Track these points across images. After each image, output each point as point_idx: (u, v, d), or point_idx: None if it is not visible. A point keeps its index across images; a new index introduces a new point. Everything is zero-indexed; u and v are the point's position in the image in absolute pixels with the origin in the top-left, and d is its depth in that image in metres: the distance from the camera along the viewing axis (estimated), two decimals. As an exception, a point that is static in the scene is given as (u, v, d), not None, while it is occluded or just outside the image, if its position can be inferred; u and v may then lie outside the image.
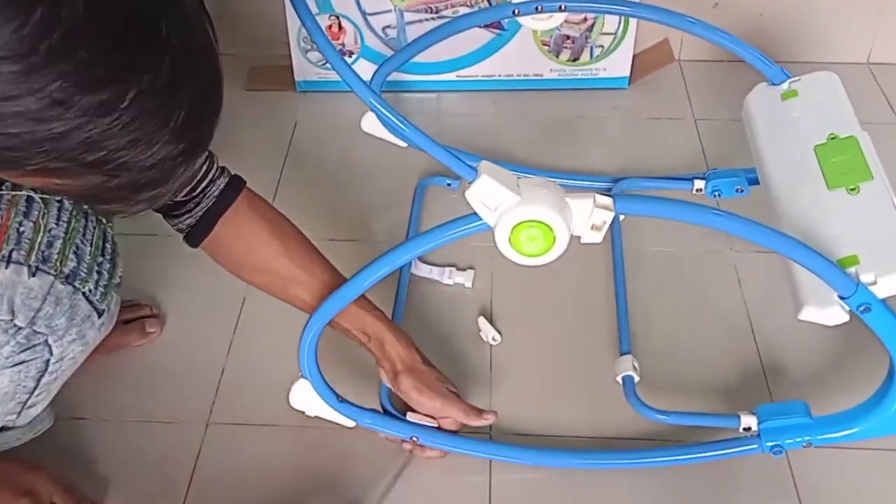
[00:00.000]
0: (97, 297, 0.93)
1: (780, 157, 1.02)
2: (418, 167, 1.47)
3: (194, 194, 0.99)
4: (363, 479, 1.06)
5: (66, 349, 0.92)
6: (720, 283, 1.30)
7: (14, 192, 0.91)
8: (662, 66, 1.69)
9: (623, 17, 1.58)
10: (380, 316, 1.03)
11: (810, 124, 1.02)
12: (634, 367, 1.09)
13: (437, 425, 1.05)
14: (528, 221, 0.74)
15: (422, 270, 1.30)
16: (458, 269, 1.31)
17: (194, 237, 1.02)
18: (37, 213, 0.91)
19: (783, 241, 0.79)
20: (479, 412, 1.04)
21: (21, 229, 0.89)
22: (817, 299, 0.85)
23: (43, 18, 0.52)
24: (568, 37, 1.60)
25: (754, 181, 1.20)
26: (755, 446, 0.99)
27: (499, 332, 1.22)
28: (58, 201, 0.94)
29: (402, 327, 1.19)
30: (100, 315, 0.94)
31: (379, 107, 0.93)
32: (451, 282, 1.30)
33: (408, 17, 1.58)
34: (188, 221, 1.01)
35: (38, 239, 0.90)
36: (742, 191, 1.22)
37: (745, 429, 0.99)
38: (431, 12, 1.58)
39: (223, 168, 1.01)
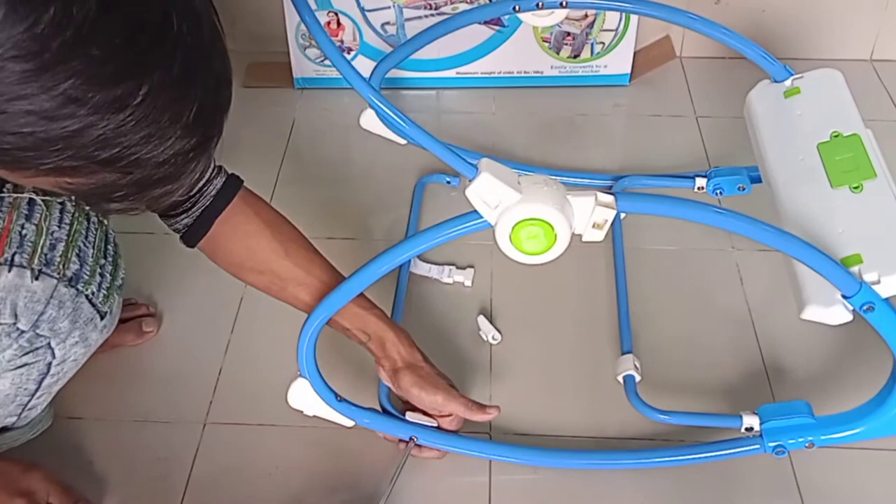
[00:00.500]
0: (100, 299, 0.93)
1: (783, 154, 1.01)
2: (417, 164, 1.46)
3: (191, 194, 0.98)
4: (362, 480, 1.05)
5: (68, 352, 0.92)
6: (722, 281, 1.29)
7: (16, 195, 0.91)
8: (664, 62, 1.68)
9: (624, 14, 1.57)
10: (380, 315, 1.02)
11: (813, 122, 1.02)
12: (636, 367, 1.08)
13: (436, 425, 1.04)
14: (529, 219, 0.73)
15: (421, 269, 1.30)
16: (457, 267, 1.30)
17: (191, 237, 1.01)
18: (39, 215, 0.91)
19: (786, 239, 0.78)
20: (482, 407, 1.03)
21: (23, 232, 0.89)
22: (820, 298, 0.85)
23: (55, 16, 0.53)
24: (569, 33, 1.59)
25: (756, 179, 1.19)
26: (757, 447, 0.98)
27: (499, 331, 1.22)
28: (59, 203, 0.93)
29: (401, 326, 1.18)
30: (102, 317, 0.94)
31: (379, 104, 0.92)
32: (450, 280, 1.29)
33: (407, 13, 1.57)
34: (185, 221, 1.00)
35: (41, 242, 0.90)
36: (744, 189, 1.22)
37: (747, 429, 0.98)
38: (430, 8, 1.57)
39: (220, 167, 1.00)
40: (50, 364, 0.91)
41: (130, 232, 1.17)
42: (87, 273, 0.92)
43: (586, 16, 1.57)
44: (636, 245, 1.32)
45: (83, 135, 0.57)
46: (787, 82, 1.09)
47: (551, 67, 1.64)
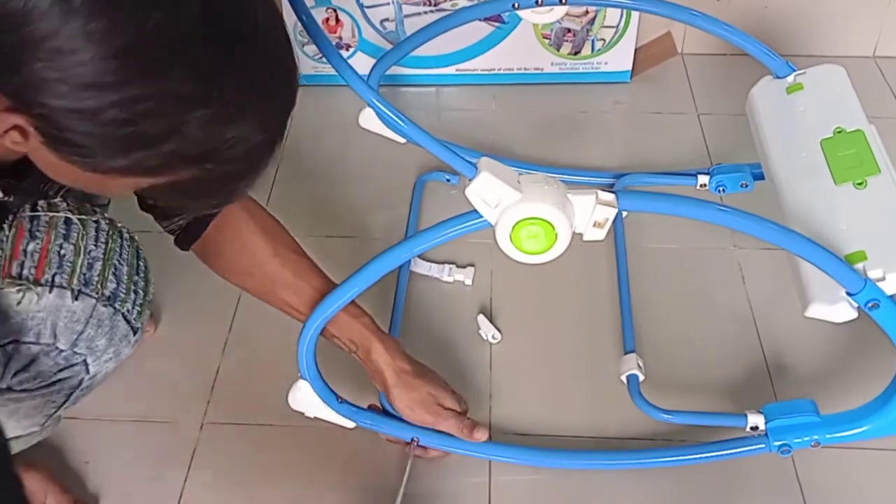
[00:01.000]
0: (134, 316, 0.95)
1: (786, 151, 1.00)
2: (416, 163, 1.45)
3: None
4: (364, 481, 1.04)
5: (101, 367, 0.94)
6: (724, 279, 1.28)
7: (52, 214, 0.92)
8: (665, 59, 1.67)
9: (625, 10, 1.56)
10: (367, 323, 1.00)
11: (816, 118, 1.01)
12: (639, 366, 1.07)
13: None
14: (529, 219, 0.72)
15: (421, 268, 1.29)
16: (457, 266, 1.29)
17: (186, 239, 1.00)
18: (76, 234, 0.92)
19: (791, 237, 0.78)
20: (472, 427, 1.02)
21: (62, 252, 0.91)
22: (824, 296, 0.84)
23: (162, 19, 0.57)
24: (569, 30, 1.58)
25: (759, 176, 1.19)
26: (762, 446, 0.97)
27: (499, 331, 1.21)
28: (94, 222, 0.95)
29: (400, 326, 1.18)
30: (135, 333, 0.96)
31: (377, 104, 0.92)
32: (450, 279, 1.28)
33: (406, 9, 1.56)
34: (181, 222, 0.99)
35: (79, 262, 0.91)
36: (746, 186, 1.21)
37: (752, 428, 0.97)
38: (430, 5, 1.56)
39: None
40: (82, 380, 0.92)
41: (127, 231, 1.16)
42: (123, 291, 0.94)
43: (587, 12, 1.56)
44: (636, 243, 1.31)
45: (174, 132, 0.60)
46: (790, 78, 1.08)
47: (552, 64, 1.63)
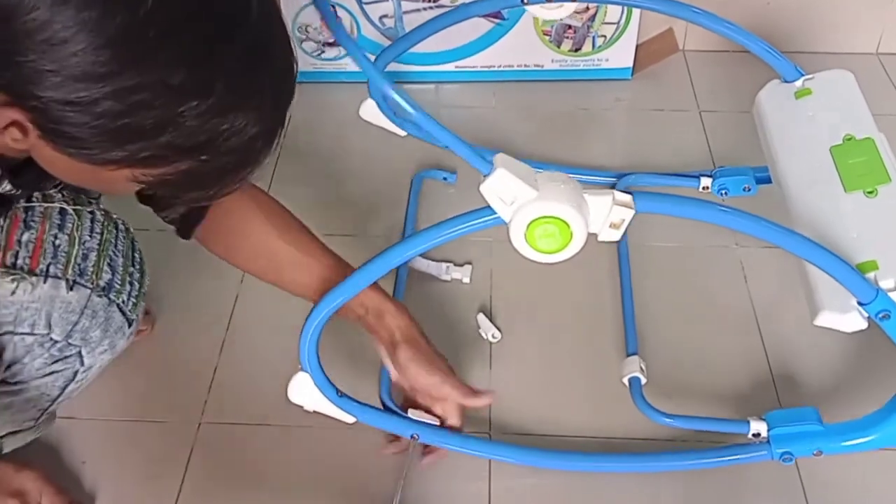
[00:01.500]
0: (129, 307, 0.95)
1: (795, 157, 1.00)
2: (413, 158, 1.44)
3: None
4: (362, 481, 1.04)
5: (96, 359, 0.94)
6: (726, 279, 1.28)
7: (47, 205, 0.91)
8: (666, 56, 1.66)
9: (626, 7, 1.55)
10: (377, 288, 0.97)
11: (826, 124, 1.00)
12: (641, 369, 1.06)
13: (438, 423, 1.02)
14: (544, 217, 0.71)
15: (419, 265, 1.28)
16: (455, 264, 1.28)
17: (186, 225, 0.99)
18: (71, 225, 0.92)
19: (804, 244, 0.77)
20: (477, 393, 1.00)
21: (57, 242, 0.91)
22: (835, 305, 0.83)
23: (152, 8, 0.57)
24: (570, 26, 1.57)
25: (762, 180, 1.18)
26: (764, 453, 0.97)
27: (498, 330, 1.20)
28: (89, 213, 0.96)
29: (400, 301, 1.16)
30: (130, 325, 0.96)
31: (395, 96, 0.89)
32: (448, 277, 1.27)
33: (405, 5, 1.55)
34: (181, 209, 0.98)
35: (74, 252, 0.92)
36: (749, 189, 1.21)
37: (754, 435, 0.97)
38: (429, 1, 1.54)
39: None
40: (77, 372, 0.92)
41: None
42: (119, 282, 0.94)
43: (588, 9, 1.55)
44: (637, 241, 1.31)
45: (169, 123, 0.60)
46: (798, 83, 1.07)
47: (552, 61, 1.62)
